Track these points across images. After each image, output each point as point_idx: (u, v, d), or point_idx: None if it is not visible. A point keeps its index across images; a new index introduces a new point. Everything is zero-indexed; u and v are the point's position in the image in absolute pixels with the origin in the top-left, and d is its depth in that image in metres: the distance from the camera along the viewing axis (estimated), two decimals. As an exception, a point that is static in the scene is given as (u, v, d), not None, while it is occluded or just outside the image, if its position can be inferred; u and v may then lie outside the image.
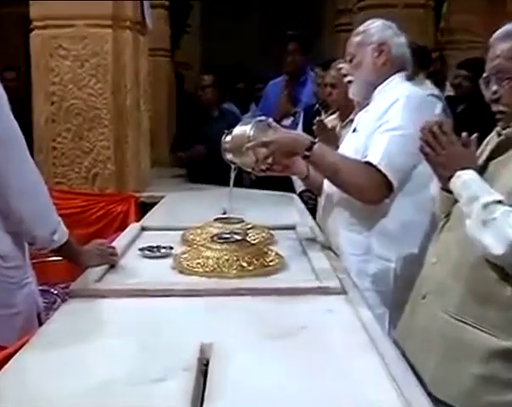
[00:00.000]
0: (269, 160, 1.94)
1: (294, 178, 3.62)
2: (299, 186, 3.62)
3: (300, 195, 3.53)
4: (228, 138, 2.04)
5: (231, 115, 4.16)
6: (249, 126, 1.95)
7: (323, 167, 1.92)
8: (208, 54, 7.68)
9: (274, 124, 2.00)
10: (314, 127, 2.92)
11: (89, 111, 3.54)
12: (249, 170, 2.02)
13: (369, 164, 1.86)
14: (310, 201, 3.38)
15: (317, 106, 3.85)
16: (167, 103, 5.22)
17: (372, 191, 1.87)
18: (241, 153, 1.95)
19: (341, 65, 2.21)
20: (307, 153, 1.88)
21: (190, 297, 1.62)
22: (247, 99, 5.53)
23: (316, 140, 1.94)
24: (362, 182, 1.87)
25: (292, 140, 1.94)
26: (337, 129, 3.15)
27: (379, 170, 1.84)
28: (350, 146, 2.02)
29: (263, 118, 2.03)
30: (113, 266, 1.90)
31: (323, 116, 3.55)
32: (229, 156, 2.04)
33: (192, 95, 4.98)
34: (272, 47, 4.73)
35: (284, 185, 3.63)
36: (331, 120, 3.31)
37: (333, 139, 2.81)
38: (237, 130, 1.98)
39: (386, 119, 1.89)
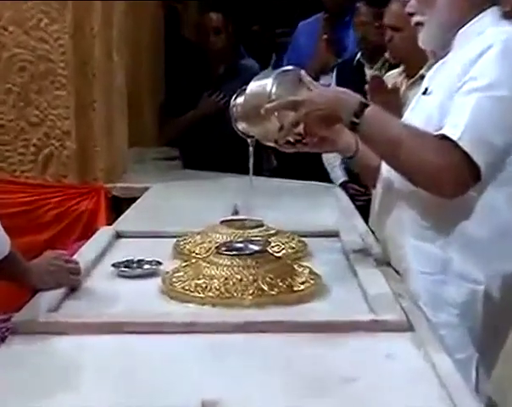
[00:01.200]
0: (300, 129, 1.94)
1: (331, 161, 3.63)
2: (340, 175, 3.62)
3: (342, 188, 3.54)
4: (240, 100, 2.05)
5: (247, 73, 4.14)
6: (270, 80, 1.96)
7: (377, 141, 1.91)
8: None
9: (307, 77, 2.01)
10: (367, 86, 2.93)
11: (39, 64, 3.56)
12: (271, 144, 2.03)
13: (445, 138, 1.85)
14: (358, 196, 3.38)
15: (358, 57, 3.85)
16: (152, 52, 5.22)
17: (449, 178, 1.85)
18: (258, 118, 1.95)
19: None
20: (355, 120, 1.88)
21: (186, 334, 1.63)
22: (266, 49, 5.52)
23: (369, 101, 1.93)
24: (434, 165, 1.84)
25: (334, 99, 1.94)
26: (402, 89, 3.15)
27: (460, 148, 1.83)
28: (419, 113, 2.01)
29: (290, 68, 2.04)
30: (74, 290, 1.90)
31: (369, 71, 3.56)
32: (241, 125, 2.06)
33: (191, 42, 4.98)
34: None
35: (318, 172, 3.63)
36: (391, 77, 3.31)
37: (395, 104, 2.81)
38: (253, 85, 1.99)
39: (474, 74, 1.87)
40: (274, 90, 1.94)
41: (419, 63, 2.88)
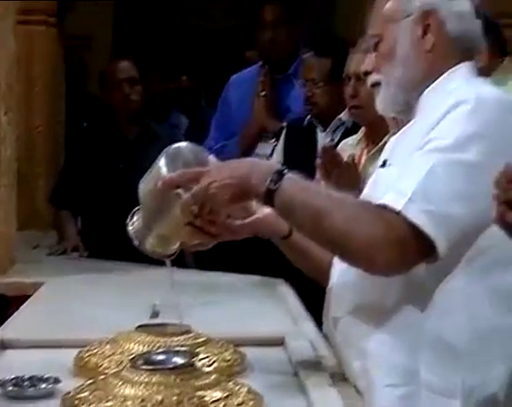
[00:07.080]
0: (203, 207, 1.96)
1: None
2: None
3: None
4: (136, 217, 2.12)
5: (168, 138, 4.11)
6: (162, 160, 2.01)
7: (300, 212, 1.92)
8: (122, 19, 7.78)
9: (205, 154, 2.06)
10: (318, 159, 2.96)
11: None
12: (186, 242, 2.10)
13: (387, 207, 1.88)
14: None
15: (308, 119, 3.94)
16: (50, 111, 5.25)
17: (386, 249, 1.86)
18: (162, 212, 2.01)
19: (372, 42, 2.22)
20: (272, 187, 1.90)
21: None
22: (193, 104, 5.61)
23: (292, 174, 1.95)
24: (368, 233, 1.87)
25: (245, 167, 1.97)
26: (362, 162, 3.23)
27: (404, 218, 1.85)
28: (377, 189, 2.05)
29: (184, 144, 2.09)
30: None
31: (323, 138, 3.62)
32: (149, 241, 2.10)
33: (98, 98, 5.03)
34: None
35: (269, 262, 3.66)
36: (348, 145, 3.39)
37: (353, 178, 2.88)
38: (144, 179, 2.07)
39: (437, 132, 1.92)
40: (171, 168, 1.99)
41: (386, 128, 2.90)
